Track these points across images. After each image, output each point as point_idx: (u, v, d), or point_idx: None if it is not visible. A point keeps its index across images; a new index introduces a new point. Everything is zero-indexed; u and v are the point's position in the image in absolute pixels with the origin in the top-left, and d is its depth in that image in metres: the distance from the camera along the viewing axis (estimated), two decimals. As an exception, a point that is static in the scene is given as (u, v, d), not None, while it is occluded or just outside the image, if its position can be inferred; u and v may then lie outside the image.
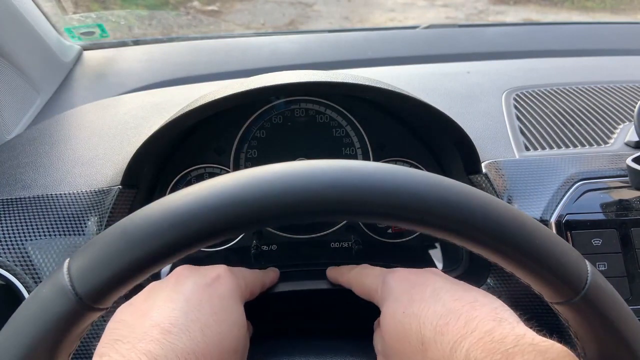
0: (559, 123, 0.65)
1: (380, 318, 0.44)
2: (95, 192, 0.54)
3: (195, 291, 0.42)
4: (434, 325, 0.38)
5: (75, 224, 0.52)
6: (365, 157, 0.66)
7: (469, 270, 0.58)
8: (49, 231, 0.51)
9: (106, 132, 0.64)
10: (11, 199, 0.53)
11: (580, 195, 0.54)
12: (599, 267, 0.51)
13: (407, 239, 0.66)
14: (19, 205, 0.53)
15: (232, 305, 0.44)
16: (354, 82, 0.49)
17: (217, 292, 0.43)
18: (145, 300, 0.41)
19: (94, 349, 0.36)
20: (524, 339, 0.33)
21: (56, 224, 0.51)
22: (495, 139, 0.62)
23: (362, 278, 0.49)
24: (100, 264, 0.27)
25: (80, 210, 0.52)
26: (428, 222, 0.28)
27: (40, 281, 0.49)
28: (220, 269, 0.46)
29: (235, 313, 0.44)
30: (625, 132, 0.62)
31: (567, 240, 0.51)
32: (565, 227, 0.52)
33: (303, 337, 0.51)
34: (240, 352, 0.43)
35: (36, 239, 0.51)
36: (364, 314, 0.52)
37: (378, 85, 0.50)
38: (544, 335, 0.35)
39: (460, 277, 0.45)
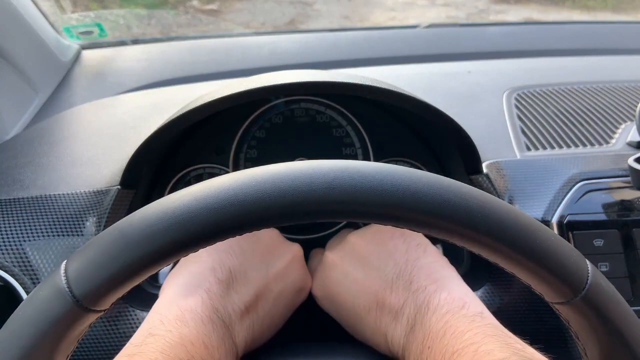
0: (560, 123, 0.64)
1: None
2: (94, 193, 0.53)
3: (279, 270, 0.49)
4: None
5: (74, 224, 0.51)
6: (366, 157, 0.66)
7: (469, 271, 0.58)
8: (47, 232, 0.51)
9: (105, 132, 0.64)
10: (9, 199, 0.53)
11: (582, 196, 0.53)
12: (600, 268, 0.51)
13: (408, 239, 0.66)
14: (17, 205, 0.52)
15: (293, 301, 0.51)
16: (354, 82, 0.48)
17: (287, 287, 0.50)
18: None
19: (92, 353, 0.35)
20: None
21: (54, 225, 0.51)
22: (496, 139, 0.61)
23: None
24: (97, 265, 0.27)
25: (79, 211, 0.52)
26: (428, 223, 0.28)
27: (39, 282, 0.49)
28: (295, 250, 0.53)
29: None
30: (627, 132, 0.62)
31: (569, 241, 0.51)
32: (567, 227, 0.52)
33: (302, 338, 0.51)
34: None
35: (34, 240, 0.50)
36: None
37: (378, 85, 0.49)
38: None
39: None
